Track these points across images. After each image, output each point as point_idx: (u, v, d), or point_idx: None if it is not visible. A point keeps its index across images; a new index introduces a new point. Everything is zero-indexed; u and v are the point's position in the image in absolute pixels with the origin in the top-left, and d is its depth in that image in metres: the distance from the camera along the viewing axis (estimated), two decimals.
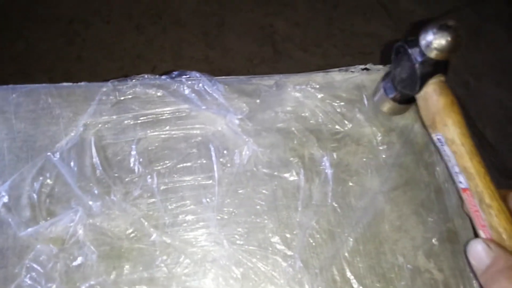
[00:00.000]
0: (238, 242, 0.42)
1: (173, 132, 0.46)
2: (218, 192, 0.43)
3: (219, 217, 0.42)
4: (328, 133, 0.47)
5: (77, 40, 1.49)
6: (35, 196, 0.42)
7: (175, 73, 0.49)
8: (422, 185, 0.46)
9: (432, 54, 0.39)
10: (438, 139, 0.40)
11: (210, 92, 0.47)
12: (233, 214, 0.43)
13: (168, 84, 0.48)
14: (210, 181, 0.44)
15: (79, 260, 0.40)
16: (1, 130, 0.45)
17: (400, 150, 0.47)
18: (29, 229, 0.40)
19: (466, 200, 0.38)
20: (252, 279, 0.40)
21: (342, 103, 0.48)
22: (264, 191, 0.44)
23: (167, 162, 0.45)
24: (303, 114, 0.48)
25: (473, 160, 0.37)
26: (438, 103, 0.39)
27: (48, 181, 0.43)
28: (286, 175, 0.45)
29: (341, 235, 0.43)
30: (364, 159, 0.46)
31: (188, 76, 0.48)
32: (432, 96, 0.40)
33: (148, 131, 0.46)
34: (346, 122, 0.48)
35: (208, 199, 0.43)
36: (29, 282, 0.39)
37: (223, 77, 0.49)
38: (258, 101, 0.48)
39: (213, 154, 0.45)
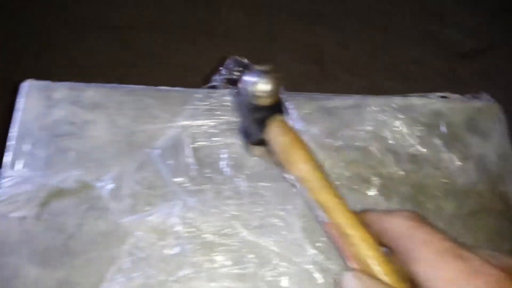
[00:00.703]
0: (320, 248, 0.44)
1: None
2: (300, 199, 0.46)
3: (302, 223, 0.45)
4: (406, 155, 0.50)
5: (132, 47, 1.56)
6: (136, 187, 0.45)
7: None
8: (497, 213, 0.47)
9: (260, 101, 0.40)
10: (290, 178, 0.40)
11: (292, 107, 0.50)
12: (314, 221, 0.45)
13: None
14: (294, 190, 0.47)
15: (175, 249, 0.43)
16: (105, 124, 0.49)
17: (476, 178, 0.49)
18: (130, 217, 0.44)
19: (329, 234, 0.38)
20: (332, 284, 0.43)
21: (421, 127, 0.51)
22: None
23: (254, 167, 0.48)
24: (382, 135, 0.50)
25: (325, 194, 0.37)
26: (281, 144, 0.40)
27: (147, 175, 0.46)
28: (366, 191, 0.47)
29: None
30: (441, 183, 0.49)
31: None
32: (275, 138, 0.40)
33: (237, 138, 0.49)
34: (424, 146, 0.50)
35: (291, 205, 0.46)
36: (129, 265, 0.42)
37: (304, 93, 0.52)
38: (337, 119, 0.50)
39: None
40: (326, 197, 0.37)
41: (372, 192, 0.47)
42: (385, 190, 0.47)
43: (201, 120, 0.49)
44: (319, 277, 0.43)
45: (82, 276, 0.42)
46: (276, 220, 0.45)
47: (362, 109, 0.52)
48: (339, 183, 0.47)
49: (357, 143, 0.49)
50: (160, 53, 1.55)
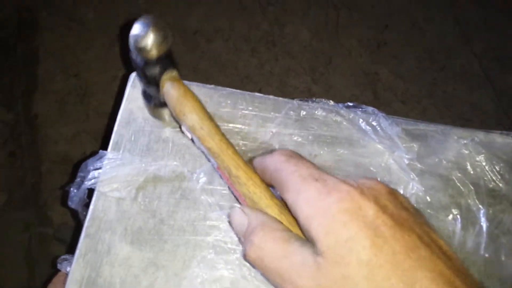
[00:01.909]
0: None
1: (344, 156, 0.51)
2: None
3: None
4: (486, 189, 0.50)
5: (197, 51, 1.62)
6: (225, 185, 0.48)
7: (351, 104, 0.54)
8: None
9: (148, 55, 0.40)
10: (184, 129, 0.43)
11: (384, 128, 0.52)
12: None
13: (345, 112, 0.53)
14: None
15: None
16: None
17: None
18: (218, 212, 0.47)
19: (221, 177, 0.42)
20: None
21: (502, 164, 0.52)
22: None
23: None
24: (463, 166, 0.51)
25: (214, 140, 0.40)
26: (173, 97, 0.42)
27: None
28: (444, 218, 0.48)
29: None
30: None
31: (364, 109, 0.53)
32: (168, 92, 0.42)
33: (323, 150, 0.51)
34: (504, 182, 0.51)
35: None
36: (213, 256, 0.44)
37: (395, 117, 0.54)
38: (423, 144, 0.52)
39: None
40: (215, 143, 0.40)
41: (450, 220, 0.48)
42: (463, 220, 0.48)
43: (291, 129, 0.52)
44: None
45: (168, 260, 0.44)
46: None
47: (447, 137, 0.53)
48: (419, 205, 0.48)
49: (440, 171, 0.51)
50: (221, 60, 1.60)
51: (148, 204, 0.47)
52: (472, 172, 0.51)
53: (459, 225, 0.48)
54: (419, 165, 0.51)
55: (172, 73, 0.43)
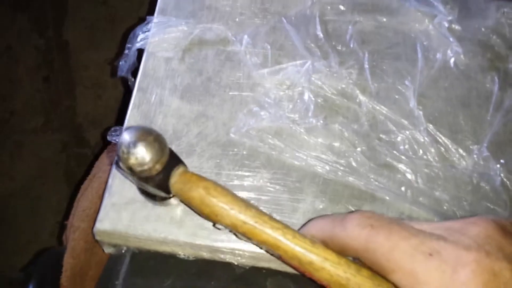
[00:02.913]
0: (431, 121, 0.47)
1: (384, 23, 0.52)
2: (418, 78, 0.49)
3: (417, 98, 0.48)
4: None
5: None
6: (268, 46, 0.50)
7: None
8: None
9: (144, 174, 0.33)
10: (219, 226, 0.34)
11: None
12: (429, 99, 0.48)
13: None
14: (413, 68, 0.49)
15: (300, 101, 0.47)
16: None
17: None
18: (261, 70, 0.49)
19: (291, 266, 0.33)
20: (446, 159, 0.45)
21: None
22: (460, 88, 0.49)
23: (377, 45, 0.51)
24: (503, 33, 0.52)
25: (265, 231, 0.32)
26: (195, 200, 0.34)
27: (279, 38, 0.50)
28: (483, 80, 0.49)
29: None
30: None
31: None
32: (185, 195, 0.34)
33: (364, 17, 0.52)
34: None
35: (409, 82, 0.49)
36: (258, 109, 0.47)
37: None
38: (464, 9, 0.52)
39: (418, 47, 0.50)
40: (268, 235, 0.32)
41: (488, 81, 0.49)
42: (501, 82, 0.49)
43: None
44: (429, 144, 0.46)
45: (217, 112, 0.47)
46: (393, 92, 0.48)
47: (487, 4, 0.53)
48: (455, 69, 0.49)
49: (479, 37, 0.51)
50: None
51: (195, 64, 0.49)
52: (510, 38, 0.52)
53: (496, 86, 0.49)
54: (458, 30, 0.51)
55: (179, 170, 0.35)
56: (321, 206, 0.42)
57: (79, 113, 1.47)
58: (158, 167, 0.33)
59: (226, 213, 0.33)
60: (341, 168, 0.43)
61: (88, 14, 1.59)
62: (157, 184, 0.34)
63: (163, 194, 0.36)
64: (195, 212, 0.35)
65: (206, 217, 0.34)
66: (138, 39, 0.50)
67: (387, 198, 0.43)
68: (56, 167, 1.41)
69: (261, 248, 0.34)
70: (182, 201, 0.37)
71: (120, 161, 0.33)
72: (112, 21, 1.58)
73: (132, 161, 0.32)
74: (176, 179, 0.35)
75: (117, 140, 0.47)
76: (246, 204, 0.33)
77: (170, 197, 0.38)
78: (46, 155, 1.43)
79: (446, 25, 0.51)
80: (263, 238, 0.32)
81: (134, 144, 0.32)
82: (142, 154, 0.32)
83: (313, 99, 0.47)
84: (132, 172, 0.33)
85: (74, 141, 1.44)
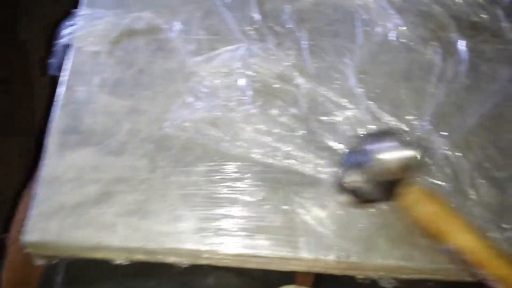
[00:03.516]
0: (372, 98, 0.45)
1: None
2: (359, 55, 0.47)
3: (358, 76, 0.46)
4: (467, 22, 0.50)
5: None
6: (203, 32, 0.47)
7: None
8: None
9: (397, 176, 0.35)
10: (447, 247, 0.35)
11: None
12: (370, 75, 0.47)
13: None
14: (353, 45, 0.48)
15: (236, 88, 0.45)
16: None
17: None
18: (196, 58, 0.46)
19: None
20: None
21: None
22: (401, 61, 0.47)
23: (315, 23, 0.49)
24: (444, 1, 0.50)
25: (496, 265, 0.33)
26: (429, 213, 0.35)
27: (214, 22, 0.48)
28: (424, 51, 0.48)
29: (468, 110, 0.46)
30: (498, 50, 0.49)
31: None
32: (415, 206, 0.36)
33: None
34: (485, 14, 0.50)
35: (348, 60, 0.47)
36: (192, 100, 0.45)
37: None
38: None
39: (357, 22, 0.49)
40: (501, 268, 0.33)
41: (430, 52, 0.48)
42: (444, 52, 0.48)
43: None
44: (371, 122, 0.44)
45: (150, 106, 0.45)
46: (332, 72, 0.47)
47: None
48: (396, 42, 0.48)
49: (420, 7, 0.50)
50: None
51: (124, 56, 0.47)
52: (453, 6, 0.50)
53: (439, 57, 0.48)
54: (398, 1, 0.49)
55: (419, 184, 0.37)
56: (261, 195, 0.40)
57: (39, 115, 1.43)
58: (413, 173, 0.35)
59: (461, 236, 0.34)
60: (280, 154, 0.42)
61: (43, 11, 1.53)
62: (391, 185, 0.36)
63: (378, 196, 0.38)
64: (420, 225, 0.36)
65: (434, 232, 0.35)
66: (64, 34, 0.47)
67: (330, 180, 0.41)
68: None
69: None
70: (404, 206, 0.37)
71: (380, 161, 0.35)
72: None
73: (399, 162, 0.35)
74: (414, 189, 0.36)
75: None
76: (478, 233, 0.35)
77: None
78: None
79: None
80: (494, 271, 0.33)
81: (406, 147, 0.36)
82: (410, 159, 0.35)
83: (250, 85, 0.45)
84: (387, 172, 0.35)
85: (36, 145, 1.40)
